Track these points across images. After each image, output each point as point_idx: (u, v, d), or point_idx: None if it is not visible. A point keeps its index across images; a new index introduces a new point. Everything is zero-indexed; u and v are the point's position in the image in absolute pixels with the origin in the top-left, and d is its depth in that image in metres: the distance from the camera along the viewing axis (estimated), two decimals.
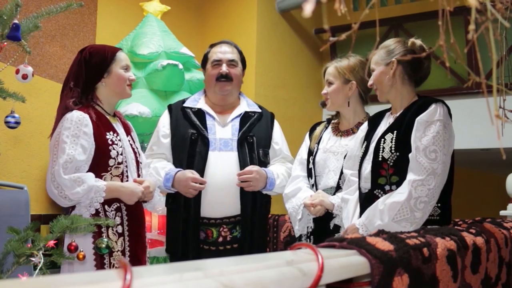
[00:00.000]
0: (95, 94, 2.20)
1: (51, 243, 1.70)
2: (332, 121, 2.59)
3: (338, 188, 2.38)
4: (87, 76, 2.18)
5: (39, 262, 1.65)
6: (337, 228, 2.34)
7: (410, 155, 1.99)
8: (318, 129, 2.59)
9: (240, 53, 2.73)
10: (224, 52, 2.66)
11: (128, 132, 2.30)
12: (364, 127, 2.30)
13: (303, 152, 2.57)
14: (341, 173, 2.38)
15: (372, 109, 2.61)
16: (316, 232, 2.40)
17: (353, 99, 2.49)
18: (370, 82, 2.18)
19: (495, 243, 1.85)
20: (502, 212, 3.99)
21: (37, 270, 1.65)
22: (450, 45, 0.98)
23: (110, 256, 2.09)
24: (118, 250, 2.11)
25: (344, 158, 2.39)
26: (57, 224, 1.73)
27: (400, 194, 1.96)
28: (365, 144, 2.20)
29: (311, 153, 2.52)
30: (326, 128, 2.58)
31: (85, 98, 2.17)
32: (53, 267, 1.98)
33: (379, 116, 2.28)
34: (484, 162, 6.52)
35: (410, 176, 1.96)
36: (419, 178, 1.93)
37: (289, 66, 4.99)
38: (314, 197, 2.35)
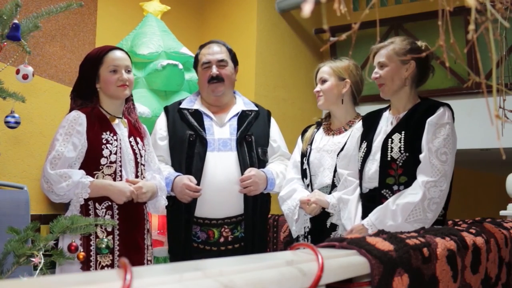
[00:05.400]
0: (98, 96, 2.26)
1: (52, 243, 1.70)
2: (323, 122, 2.60)
3: (333, 185, 2.39)
4: (82, 84, 2.26)
5: (39, 263, 1.65)
6: (333, 226, 2.35)
7: (421, 156, 2.00)
8: (310, 131, 2.60)
9: (230, 51, 2.72)
10: (212, 53, 2.65)
11: (133, 134, 2.30)
12: (359, 127, 2.30)
13: (296, 155, 2.58)
14: (335, 170, 2.39)
15: (361, 110, 2.63)
16: (313, 231, 2.40)
17: (346, 97, 2.50)
18: (376, 75, 2.15)
19: (495, 243, 1.85)
20: (502, 212, 3.99)
21: (37, 271, 1.65)
22: (450, 45, 0.98)
23: (96, 255, 2.10)
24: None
25: (337, 155, 2.40)
26: (57, 225, 1.73)
27: (412, 195, 1.97)
28: (365, 144, 2.20)
29: (304, 154, 2.52)
30: (318, 129, 2.58)
31: (89, 101, 2.24)
32: (53, 267, 1.99)
33: (375, 115, 2.28)
34: (484, 162, 6.52)
35: (422, 177, 1.98)
36: (432, 179, 1.95)
37: (289, 66, 4.99)
38: (311, 196, 2.37)
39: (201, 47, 2.73)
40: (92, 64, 2.24)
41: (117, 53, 2.27)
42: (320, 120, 2.63)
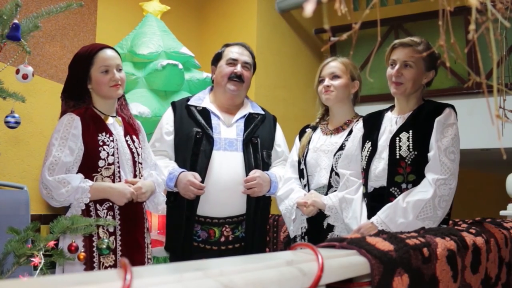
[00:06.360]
0: (90, 96, 2.23)
1: (52, 243, 1.70)
2: (321, 123, 2.60)
3: (329, 186, 2.40)
4: (73, 85, 2.21)
5: (39, 263, 1.65)
6: (330, 227, 2.36)
7: (430, 154, 2.03)
8: (308, 131, 2.60)
9: (254, 58, 2.75)
10: (241, 53, 2.67)
11: (129, 132, 2.29)
12: (360, 127, 2.31)
13: (293, 155, 2.59)
14: (332, 170, 2.39)
15: (361, 110, 2.64)
16: (310, 232, 2.41)
17: (351, 97, 2.53)
18: (398, 73, 2.13)
19: (495, 243, 1.85)
20: (502, 212, 3.99)
21: (37, 271, 1.65)
22: (450, 45, 0.98)
23: (99, 255, 2.09)
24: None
25: (334, 155, 2.40)
26: (58, 225, 1.73)
27: (423, 193, 1.98)
28: (369, 143, 2.21)
29: (301, 154, 2.52)
30: (315, 129, 2.59)
31: (82, 101, 2.20)
32: (53, 267, 1.99)
33: (377, 116, 2.29)
34: (484, 162, 6.52)
35: (431, 175, 2.00)
36: (443, 177, 1.98)
37: (289, 66, 4.99)
38: (307, 197, 2.37)
39: (228, 45, 2.73)
40: (83, 64, 2.19)
41: (108, 52, 2.22)
42: (315, 123, 2.62)
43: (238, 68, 2.61)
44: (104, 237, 2.10)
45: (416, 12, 4.95)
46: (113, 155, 2.17)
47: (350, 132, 2.43)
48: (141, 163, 2.30)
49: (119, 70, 2.23)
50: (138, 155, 2.29)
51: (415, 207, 1.96)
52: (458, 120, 2.14)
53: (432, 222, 1.95)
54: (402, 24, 5.05)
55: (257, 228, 2.56)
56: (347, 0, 0.90)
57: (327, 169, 2.42)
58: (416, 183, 2.03)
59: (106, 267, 2.10)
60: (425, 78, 2.15)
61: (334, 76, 2.48)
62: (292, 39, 5.06)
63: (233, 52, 2.66)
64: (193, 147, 2.52)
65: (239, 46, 2.71)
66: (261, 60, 4.64)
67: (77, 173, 2.12)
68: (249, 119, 2.65)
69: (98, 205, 2.13)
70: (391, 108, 2.28)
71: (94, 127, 2.16)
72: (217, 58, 2.70)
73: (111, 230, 2.12)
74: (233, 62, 2.63)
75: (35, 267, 1.66)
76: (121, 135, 2.25)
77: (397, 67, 2.14)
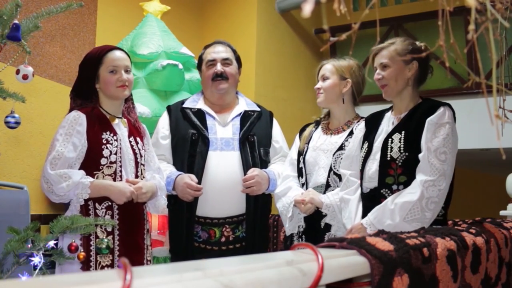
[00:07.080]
0: (98, 96, 2.26)
1: (51, 243, 1.70)
2: (322, 121, 2.60)
3: (327, 185, 2.40)
4: (82, 84, 2.25)
5: (39, 262, 1.65)
6: (328, 226, 2.36)
7: (420, 155, 2.00)
8: (308, 130, 2.61)
9: (234, 51, 2.74)
10: (217, 51, 2.68)
11: (133, 134, 2.30)
12: (362, 127, 2.31)
13: (293, 153, 2.59)
14: (330, 170, 2.40)
15: (362, 110, 2.63)
16: (308, 231, 2.41)
17: (346, 97, 2.52)
18: (378, 77, 2.15)
19: (495, 243, 1.85)
20: (502, 212, 3.99)
21: (37, 270, 1.65)
22: (450, 45, 0.98)
23: (96, 255, 2.09)
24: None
25: (333, 155, 2.40)
26: (57, 224, 1.73)
27: (411, 194, 1.97)
28: (366, 144, 2.21)
29: (301, 153, 2.53)
30: (316, 128, 2.59)
31: (89, 100, 2.23)
32: (53, 267, 1.99)
33: (378, 116, 2.28)
34: (484, 162, 6.52)
35: (420, 177, 1.98)
36: (431, 178, 1.95)
37: (289, 66, 4.99)
38: (305, 195, 2.37)
39: (206, 47, 2.75)
40: (92, 64, 2.23)
41: (117, 53, 2.26)
42: (319, 119, 2.63)
43: (218, 67, 2.62)
44: (103, 237, 2.10)
45: (416, 12, 4.95)
46: (115, 154, 2.18)
47: (351, 132, 2.43)
48: (143, 165, 2.31)
49: (127, 71, 2.26)
50: (141, 156, 2.30)
51: (402, 209, 1.95)
52: (458, 120, 2.12)
53: (420, 224, 1.92)
54: (402, 24, 5.05)
55: (257, 227, 2.56)
56: (346, 0, 0.90)
57: (326, 168, 2.42)
58: (407, 184, 2.02)
59: (103, 267, 2.10)
60: (409, 71, 2.12)
61: (324, 78, 2.51)
62: (292, 39, 5.06)
63: (210, 53, 2.68)
64: (190, 149, 2.53)
65: (215, 44, 2.72)
66: (261, 60, 4.65)
67: (79, 169, 2.13)
68: (245, 117, 2.65)
69: (97, 204, 2.14)
70: (391, 108, 2.28)
71: (99, 125, 2.19)
72: (200, 62, 2.73)
73: (109, 229, 2.13)
74: (212, 63, 2.65)
75: (35, 267, 1.66)
76: (125, 135, 2.26)
77: (377, 71, 2.16)
